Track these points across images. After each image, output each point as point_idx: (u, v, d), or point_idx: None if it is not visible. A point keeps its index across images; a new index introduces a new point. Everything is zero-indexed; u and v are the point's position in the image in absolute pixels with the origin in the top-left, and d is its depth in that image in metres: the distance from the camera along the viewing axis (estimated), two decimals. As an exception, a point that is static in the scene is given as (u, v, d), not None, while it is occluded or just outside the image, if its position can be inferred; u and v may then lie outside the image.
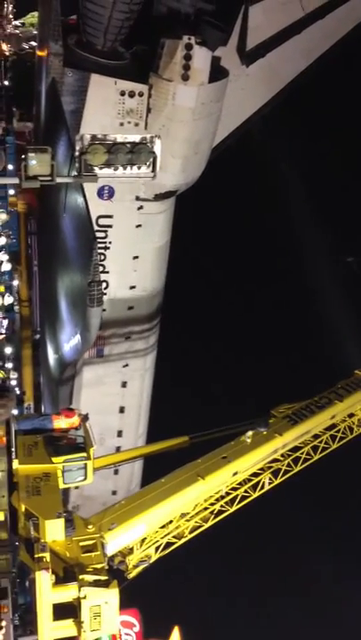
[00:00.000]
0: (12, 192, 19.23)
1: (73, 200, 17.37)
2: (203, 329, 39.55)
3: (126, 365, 26.24)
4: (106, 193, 22.17)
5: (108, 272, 23.63)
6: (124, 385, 27.23)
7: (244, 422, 17.81)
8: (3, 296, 17.23)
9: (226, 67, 21.68)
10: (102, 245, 23.02)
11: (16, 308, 24.44)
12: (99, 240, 22.64)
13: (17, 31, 34.99)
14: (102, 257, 23.26)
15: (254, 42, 21.76)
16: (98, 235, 22.52)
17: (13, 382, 27.20)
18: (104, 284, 23.63)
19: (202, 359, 39.09)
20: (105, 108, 20.02)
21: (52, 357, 24.16)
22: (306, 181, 36.96)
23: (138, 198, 22.52)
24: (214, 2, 20.45)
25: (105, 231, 22.92)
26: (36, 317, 28.32)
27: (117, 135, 20.22)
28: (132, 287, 24.61)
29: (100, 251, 23.06)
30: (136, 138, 20.38)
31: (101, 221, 22.65)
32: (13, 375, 26.29)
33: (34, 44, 33.11)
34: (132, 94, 20.04)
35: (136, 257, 23.77)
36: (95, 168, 19.87)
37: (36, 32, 33.36)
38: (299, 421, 18.09)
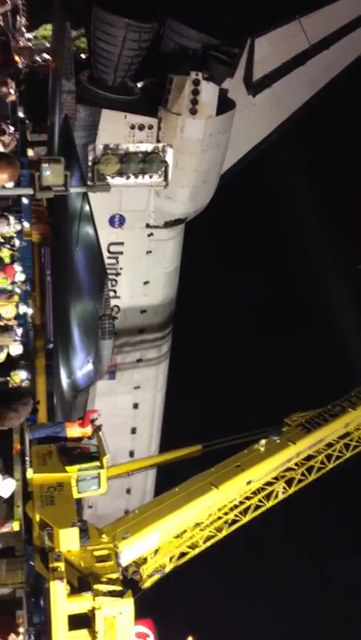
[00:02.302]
0: (26, 224, 19.87)
1: (85, 232, 17.88)
2: (216, 336, 39.87)
3: (138, 387, 26.73)
4: (117, 221, 22.75)
5: (119, 297, 24.19)
6: (135, 403, 27.67)
7: (258, 431, 17.82)
8: (17, 305, 17.60)
9: (233, 96, 22.28)
10: (113, 271, 23.59)
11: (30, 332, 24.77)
12: (110, 266, 23.23)
13: (30, 44, 35.53)
14: (114, 282, 23.83)
15: (260, 73, 22.32)
16: (109, 261, 23.12)
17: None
18: (115, 309, 24.20)
19: (214, 366, 39.35)
20: (116, 141, 20.62)
21: (64, 380, 24.63)
22: (313, 193, 37.36)
23: (148, 226, 23.08)
24: (220, 36, 21.10)
25: (116, 258, 23.49)
26: (49, 327, 28.29)
27: (129, 145, 20.70)
28: (143, 311, 25.14)
29: (111, 277, 23.65)
30: (148, 147, 20.80)
31: (113, 248, 23.24)
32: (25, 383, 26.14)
33: (46, 56, 33.65)
34: (141, 127, 20.63)
35: (147, 282, 24.30)
36: (108, 177, 20.42)
37: (48, 45, 33.96)
38: (312, 430, 18.05)
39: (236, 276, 39.50)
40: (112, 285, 23.75)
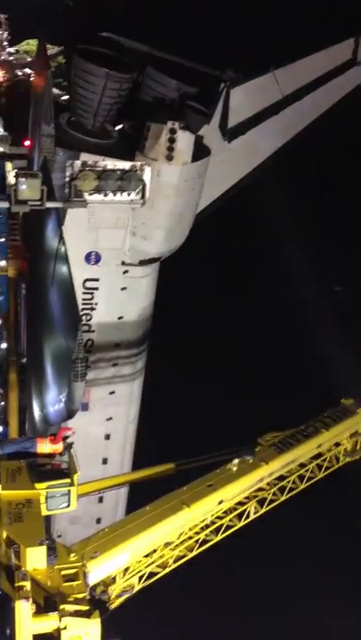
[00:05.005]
0: (3, 263, 20.34)
1: (60, 273, 18.33)
2: (190, 353, 39.99)
3: (110, 419, 27.04)
4: (93, 258, 23.29)
5: (93, 331, 24.64)
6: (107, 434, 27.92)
7: (231, 450, 17.83)
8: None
9: (208, 142, 23.07)
10: (88, 306, 24.07)
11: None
12: (85, 301, 23.73)
13: (11, 58, 35.99)
14: (88, 317, 24.29)
15: (235, 121, 23.20)
16: (85, 296, 23.62)
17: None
18: (90, 343, 24.64)
19: (188, 385, 39.43)
20: (93, 183, 21.19)
21: (36, 412, 24.88)
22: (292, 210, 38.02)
23: (123, 263, 23.65)
24: (197, 85, 21.92)
25: (91, 293, 23.96)
26: (22, 342, 28.06)
27: (107, 162, 20.84)
28: (117, 345, 25.61)
29: (86, 311, 24.14)
30: (126, 165, 20.91)
31: (88, 284, 23.73)
32: None
33: (28, 70, 33.97)
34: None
35: (121, 317, 24.81)
36: (85, 194, 20.44)
37: (30, 59, 34.33)
38: (285, 450, 18.10)
39: (217, 282, 40.02)
40: (87, 320, 24.21)
